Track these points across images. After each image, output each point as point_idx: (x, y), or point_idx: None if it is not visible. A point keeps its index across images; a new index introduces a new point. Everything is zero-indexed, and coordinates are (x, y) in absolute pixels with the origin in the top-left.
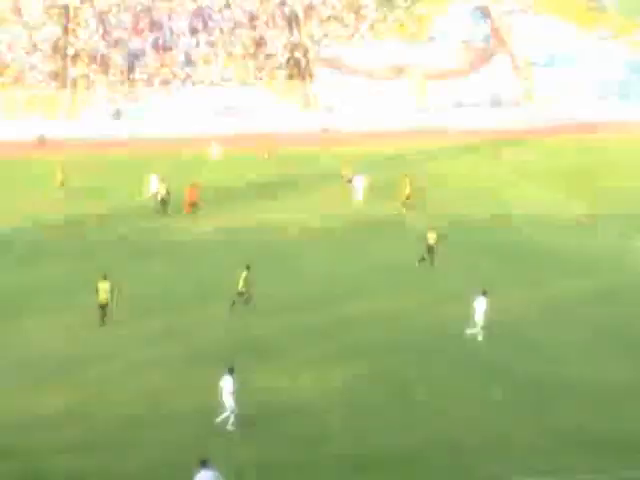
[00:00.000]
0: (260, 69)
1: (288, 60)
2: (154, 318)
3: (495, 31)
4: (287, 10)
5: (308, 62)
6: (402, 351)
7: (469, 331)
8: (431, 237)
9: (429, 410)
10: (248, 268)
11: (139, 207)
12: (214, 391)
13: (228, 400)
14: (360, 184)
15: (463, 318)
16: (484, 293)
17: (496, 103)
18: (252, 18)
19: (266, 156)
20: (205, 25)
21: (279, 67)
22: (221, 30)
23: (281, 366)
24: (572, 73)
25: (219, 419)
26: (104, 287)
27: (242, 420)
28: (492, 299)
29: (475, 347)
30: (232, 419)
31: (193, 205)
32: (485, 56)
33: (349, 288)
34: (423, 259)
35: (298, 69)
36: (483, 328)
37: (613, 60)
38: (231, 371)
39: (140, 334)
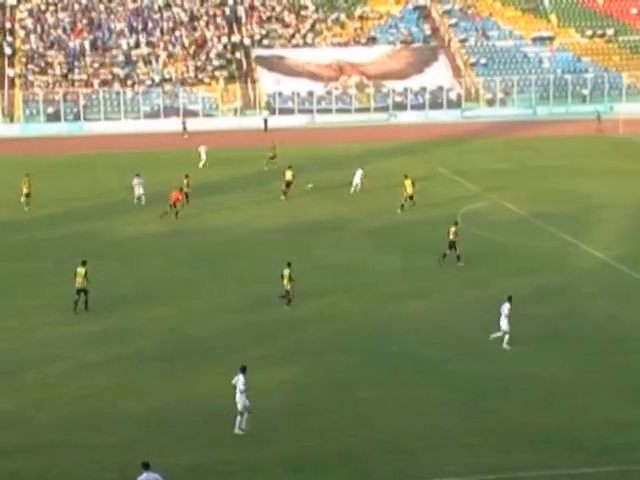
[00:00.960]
0: (201, 70)
1: (229, 61)
2: (98, 319)
3: (435, 32)
4: (228, 10)
5: (249, 63)
6: (345, 351)
7: (493, 335)
8: (452, 232)
9: (370, 410)
10: (290, 265)
11: (88, 207)
12: (157, 392)
13: (240, 399)
14: (358, 178)
15: (405, 318)
16: (509, 299)
17: (436, 104)
18: (192, 18)
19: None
20: (145, 25)
21: (220, 68)
22: (161, 30)
23: (224, 367)
24: (511, 74)
25: (237, 427)
26: (81, 272)
27: (184, 421)
28: (432, 298)
29: (416, 346)
30: (246, 417)
31: (173, 206)
32: (425, 57)
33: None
34: (445, 255)
35: (239, 70)
36: (507, 333)
37: (550, 61)
38: (244, 370)
39: (83, 335)
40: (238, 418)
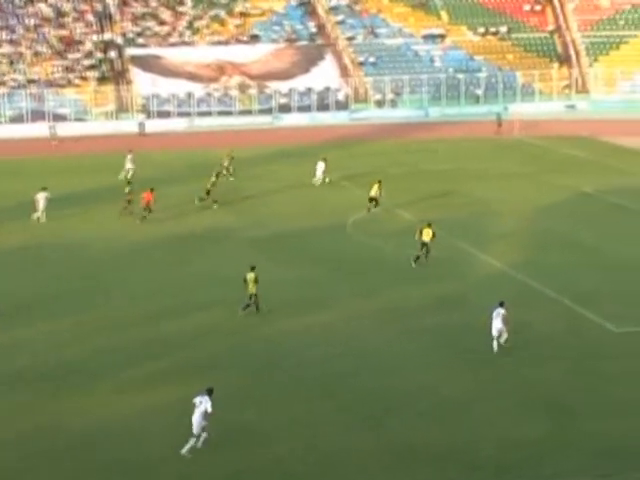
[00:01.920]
0: (70, 70)
1: (101, 61)
2: None
3: (321, 29)
4: (98, 6)
5: (123, 63)
6: (236, 368)
7: (495, 344)
8: (427, 234)
9: (257, 431)
10: (253, 269)
11: None
12: (34, 414)
13: (200, 422)
14: (320, 171)
15: (300, 331)
16: (501, 304)
17: (323, 105)
18: (59, 14)
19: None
20: (6, 22)
21: (91, 68)
22: (25, 27)
23: (101, 388)
24: (401, 73)
25: (186, 449)
26: None
27: (55, 447)
28: (327, 310)
29: (311, 361)
30: (202, 440)
31: (147, 209)
32: (311, 56)
33: (174, 303)
34: (418, 258)
35: (112, 70)
36: (498, 338)
37: (441, 60)
38: (210, 392)
39: None
40: (192, 440)
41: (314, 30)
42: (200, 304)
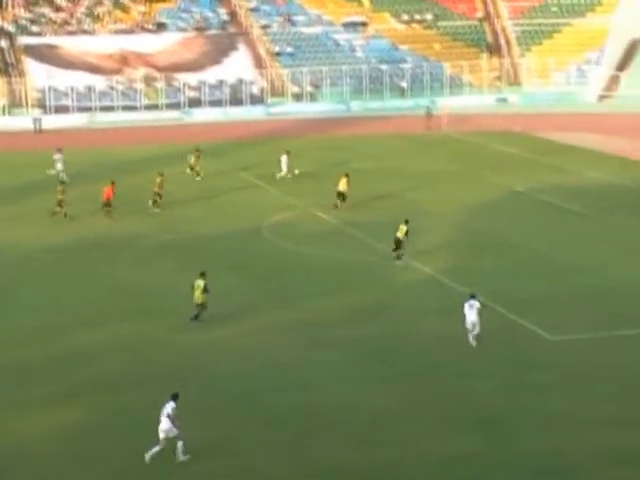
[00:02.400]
0: None
1: None
2: None
3: (233, 17)
4: None
5: (15, 53)
6: (142, 387)
7: (471, 337)
8: (401, 230)
9: (163, 457)
10: (203, 275)
11: None
12: None
13: (171, 428)
14: (285, 165)
15: (212, 345)
16: (472, 296)
17: (237, 99)
18: None
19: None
20: None
21: None
22: None
23: (4, 407)
24: (320, 64)
25: (149, 454)
26: None
27: None
28: (240, 322)
29: (225, 376)
30: (180, 446)
31: (107, 204)
32: (222, 46)
33: (78, 316)
34: (399, 256)
35: (3, 61)
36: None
37: (363, 50)
38: (175, 397)
39: None
40: (157, 448)
41: (225, 18)
42: (106, 316)
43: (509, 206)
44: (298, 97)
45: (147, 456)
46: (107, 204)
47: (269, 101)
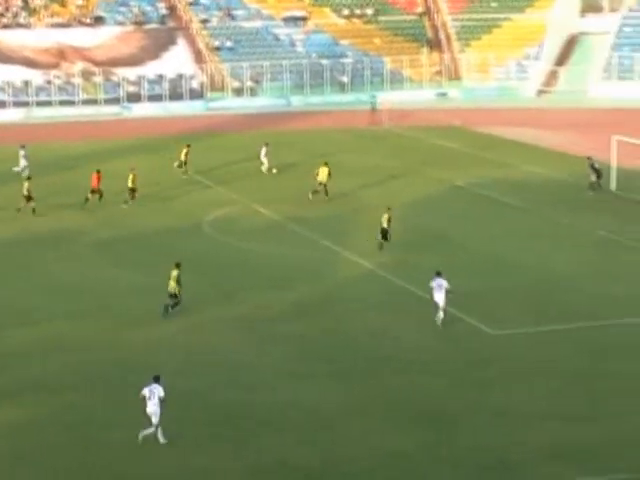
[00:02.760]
0: None
1: None
2: None
3: (172, 11)
4: None
5: None
6: (82, 386)
7: (438, 319)
8: (385, 219)
9: (112, 453)
10: (178, 266)
11: None
12: None
13: (153, 409)
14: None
15: (152, 344)
16: (439, 274)
17: (176, 94)
18: None
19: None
20: None
21: None
22: None
23: None
24: (260, 59)
25: (142, 435)
26: None
27: None
28: (182, 319)
29: (167, 377)
30: (159, 430)
31: (95, 192)
32: (162, 40)
33: (13, 315)
34: (382, 245)
35: None
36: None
37: (304, 45)
38: (157, 379)
39: None
40: (152, 429)
41: (164, 12)
42: (43, 314)
43: (450, 201)
44: (238, 92)
45: (140, 437)
46: (97, 191)
47: (209, 96)
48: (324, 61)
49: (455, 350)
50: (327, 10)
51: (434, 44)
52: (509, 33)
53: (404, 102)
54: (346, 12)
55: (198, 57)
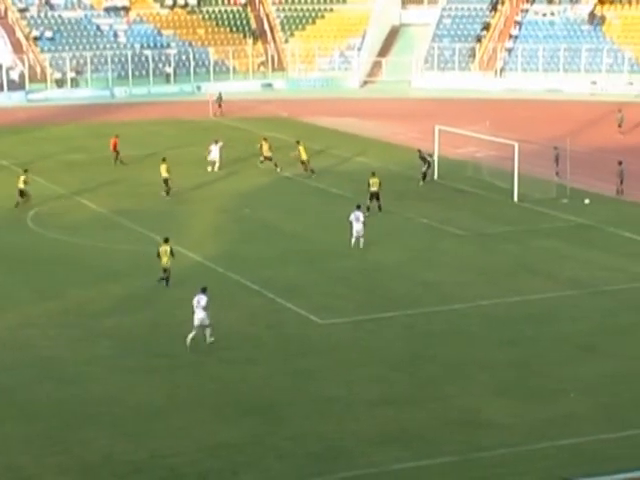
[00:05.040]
0: None
1: None
2: None
3: None
4: None
5: None
6: None
7: (354, 240)
8: (374, 183)
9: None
10: (167, 241)
11: None
12: None
13: (205, 317)
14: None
15: None
16: (358, 207)
17: None
18: None
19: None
20: None
21: None
22: None
23: None
24: (82, 49)
25: (188, 340)
26: None
27: None
28: (5, 314)
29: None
30: (210, 331)
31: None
32: None
33: None
34: (368, 209)
35: None
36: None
37: (127, 35)
38: (204, 290)
39: None
40: (193, 332)
41: None
42: None
43: (278, 192)
44: (60, 83)
45: (188, 341)
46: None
47: (29, 87)
48: (147, 52)
49: (283, 340)
50: (150, 0)
51: (259, 35)
52: (333, 24)
53: (230, 93)
54: (169, 2)
55: (17, 47)
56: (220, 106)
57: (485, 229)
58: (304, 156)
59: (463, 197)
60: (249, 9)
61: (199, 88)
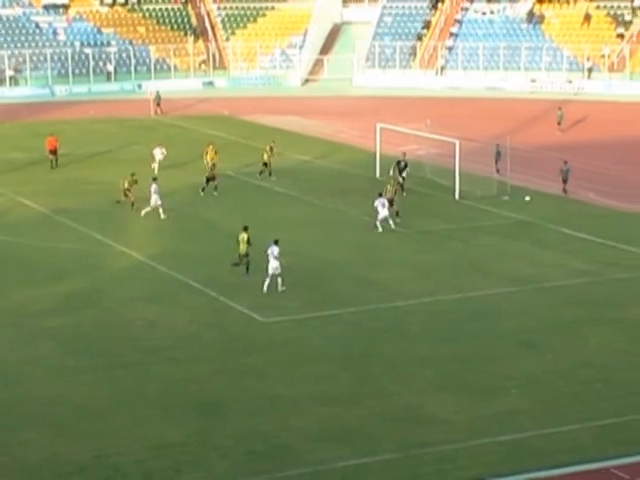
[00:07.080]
0: None
1: None
2: None
3: None
4: None
5: None
6: None
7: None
8: (390, 190)
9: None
10: (247, 229)
11: None
12: None
13: (275, 264)
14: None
15: None
16: (276, 242)
17: None
18: None
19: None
20: None
21: None
22: None
23: None
24: (20, 47)
25: (265, 286)
26: None
27: None
28: None
29: None
30: (281, 280)
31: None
32: None
33: None
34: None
35: None
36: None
37: (66, 33)
38: (276, 242)
39: None
40: (268, 280)
41: None
42: None
43: (221, 190)
44: None
45: (265, 288)
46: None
47: None
48: (88, 50)
49: (226, 338)
50: None
51: (200, 33)
52: (274, 22)
53: (171, 91)
54: (109, 0)
55: None
56: (159, 105)
57: (427, 226)
58: (212, 157)
59: (405, 195)
60: (190, 7)
61: (140, 86)
